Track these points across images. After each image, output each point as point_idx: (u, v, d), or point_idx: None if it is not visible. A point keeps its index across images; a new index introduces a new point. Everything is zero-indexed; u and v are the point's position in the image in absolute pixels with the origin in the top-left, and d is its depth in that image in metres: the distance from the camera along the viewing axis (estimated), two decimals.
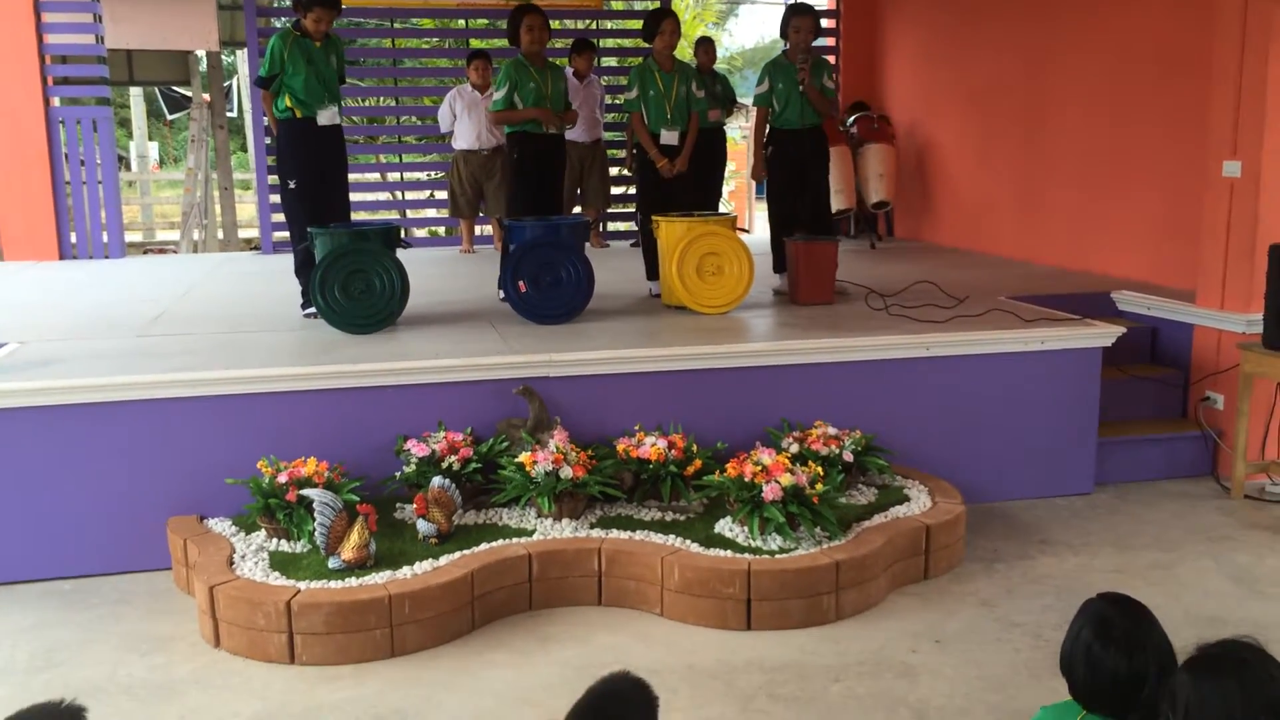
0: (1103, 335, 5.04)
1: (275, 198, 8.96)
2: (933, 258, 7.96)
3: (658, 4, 9.55)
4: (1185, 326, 5.59)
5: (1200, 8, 5.72)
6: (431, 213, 11.74)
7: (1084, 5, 6.95)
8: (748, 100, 9.14)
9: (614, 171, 9.41)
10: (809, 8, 6.19)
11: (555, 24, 9.59)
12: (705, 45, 8.91)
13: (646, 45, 6.28)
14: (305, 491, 3.87)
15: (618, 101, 9.07)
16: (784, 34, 6.19)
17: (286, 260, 7.69)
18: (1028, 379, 4.99)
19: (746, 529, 4.02)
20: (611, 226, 9.80)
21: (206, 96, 12.51)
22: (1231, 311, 5.26)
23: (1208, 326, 5.43)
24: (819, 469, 4.17)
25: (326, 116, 5.59)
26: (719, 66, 9.42)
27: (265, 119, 6.03)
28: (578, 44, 8.67)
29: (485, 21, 10.22)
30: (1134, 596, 2.23)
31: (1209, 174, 5.36)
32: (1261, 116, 5.02)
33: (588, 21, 9.97)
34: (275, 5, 9.18)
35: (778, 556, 3.86)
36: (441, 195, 11.33)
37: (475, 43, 9.86)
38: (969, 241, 8.48)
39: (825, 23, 10.01)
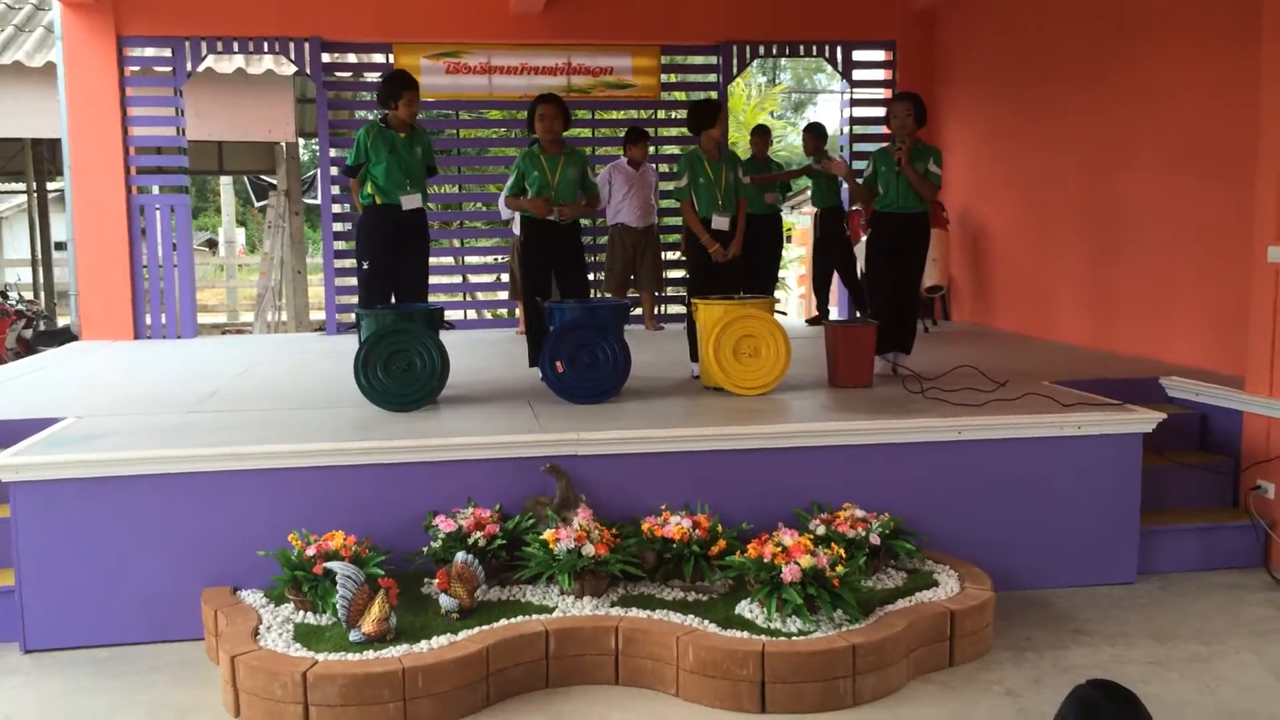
0: (1143, 421, 4.95)
1: (341, 280, 9.30)
2: (986, 342, 7.90)
3: (715, 95, 9.76)
4: (1235, 413, 5.46)
5: (1250, 105, 5.69)
6: (502, 295, 12.08)
7: (1136, 103, 6.96)
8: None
9: (669, 256, 9.56)
10: (909, 94, 6.28)
11: (615, 114, 9.92)
12: (761, 134, 9.10)
13: (691, 133, 6.43)
14: (329, 564, 3.97)
15: (671, 188, 9.28)
16: (887, 121, 6.37)
17: (346, 341, 7.93)
18: (1065, 464, 4.91)
19: (765, 610, 3.99)
20: (671, 309, 9.92)
21: (285, 184, 13.05)
22: None
23: (1257, 413, 5.30)
24: (841, 551, 4.15)
25: (409, 202, 5.90)
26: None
27: (353, 204, 6.41)
28: (631, 133, 8.92)
29: None
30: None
31: (1255, 260, 5.28)
32: None
33: (648, 111, 10.23)
34: (352, 98, 9.61)
35: (794, 639, 3.83)
36: (505, 278, 11.63)
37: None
38: (1026, 327, 8.41)
39: (880, 111, 10.15)
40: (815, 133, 9.37)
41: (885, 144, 6.36)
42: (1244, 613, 4.65)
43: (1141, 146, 6.94)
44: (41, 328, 12.07)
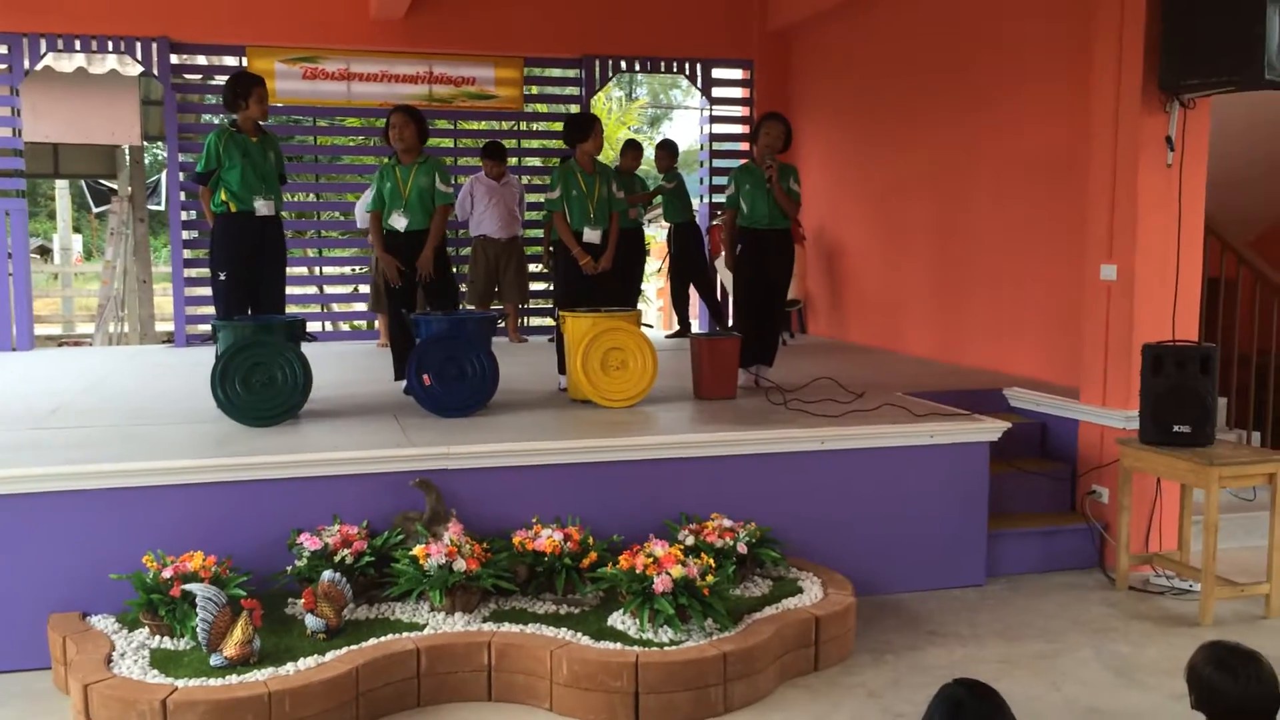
0: (989, 430, 5.21)
1: (191, 290, 8.97)
2: (840, 355, 8.17)
3: (577, 108, 9.81)
4: (1072, 422, 5.80)
5: (1078, 123, 6.06)
6: (359, 306, 11.84)
7: (981, 111, 7.32)
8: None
9: (532, 268, 9.56)
10: (779, 115, 6.39)
11: (477, 124, 9.87)
12: (633, 149, 9.20)
13: (567, 146, 6.46)
14: (188, 586, 3.83)
15: (536, 200, 9.29)
16: (753, 139, 6.42)
17: (198, 353, 7.65)
18: (919, 472, 5.13)
19: (638, 621, 4.04)
20: (535, 321, 9.92)
21: (129, 189, 12.50)
22: (1112, 408, 5.48)
23: (1091, 422, 5.63)
24: (711, 561, 4.23)
25: (264, 208, 5.73)
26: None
27: (204, 212, 6.16)
28: (487, 148, 8.90)
29: None
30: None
31: (1087, 278, 5.63)
32: (1134, 222, 5.31)
33: (510, 123, 10.21)
34: (200, 101, 9.28)
35: (666, 648, 3.89)
36: (364, 289, 11.41)
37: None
38: (878, 339, 8.73)
39: (739, 128, 10.39)
40: (668, 149, 9.54)
41: (744, 162, 6.47)
42: (1083, 611, 4.93)
43: (983, 164, 7.30)
44: None
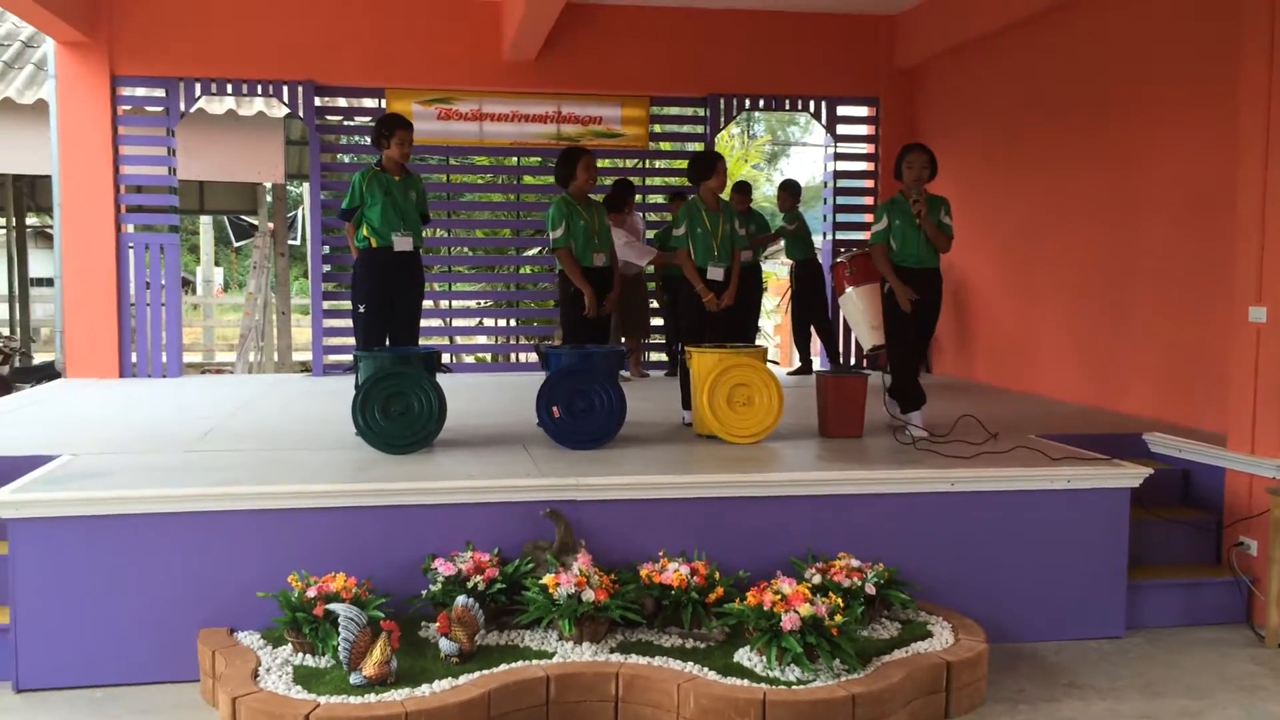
0: (1130, 476, 5.05)
1: (330, 322, 9.32)
2: (971, 395, 8.01)
3: (701, 146, 9.91)
4: (1218, 470, 5.57)
5: (1226, 157, 5.87)
6: (481, 339, 12.12)
7: (1117, 147, 7.14)
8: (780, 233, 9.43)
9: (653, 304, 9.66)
10: (921, 146, 6.13)
11: (603, 162, 10.04)
12: (741, 190, 9.28)
13: (690, 184, 6.53)
14: (331, 606, 3.97)
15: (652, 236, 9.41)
16: (898, 173, 6.11)
17: (334, 382, 7.94)
18: (1054, 518, 4.99)
19: (764, 658, 4.02)
20: (652, 356, 10.00)
21: (271, 225, 13.08)
22: (1262, 456, 5.25)
23: (1239, 470, 5.41)
24: (839, 600, 4.19)
25: (402, 244, 5.96)
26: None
27: (349, 246, 6.44)
28: (618, 184, 9.05)
29: (538, 159, 10.65)
30: None
31: (1236, 319, 5.43)
32: None
33: (636, 160, 10.37)
34: (341, 141, 9.69)
35: (794, 687, 3.86)
36: (489, 323, 11.69)
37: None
38: (1007, 380, 8.54)
39: (864, 165, 10.35)
40: (790, 190, 9.53)
41: (893, 197, 6.13)
42: (1230, 668, 4.72)
43: (1120, 201, 7.11)
44: (19, 364, 11.99)
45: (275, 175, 10.63)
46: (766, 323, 16.70)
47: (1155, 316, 6.74)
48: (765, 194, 20.60)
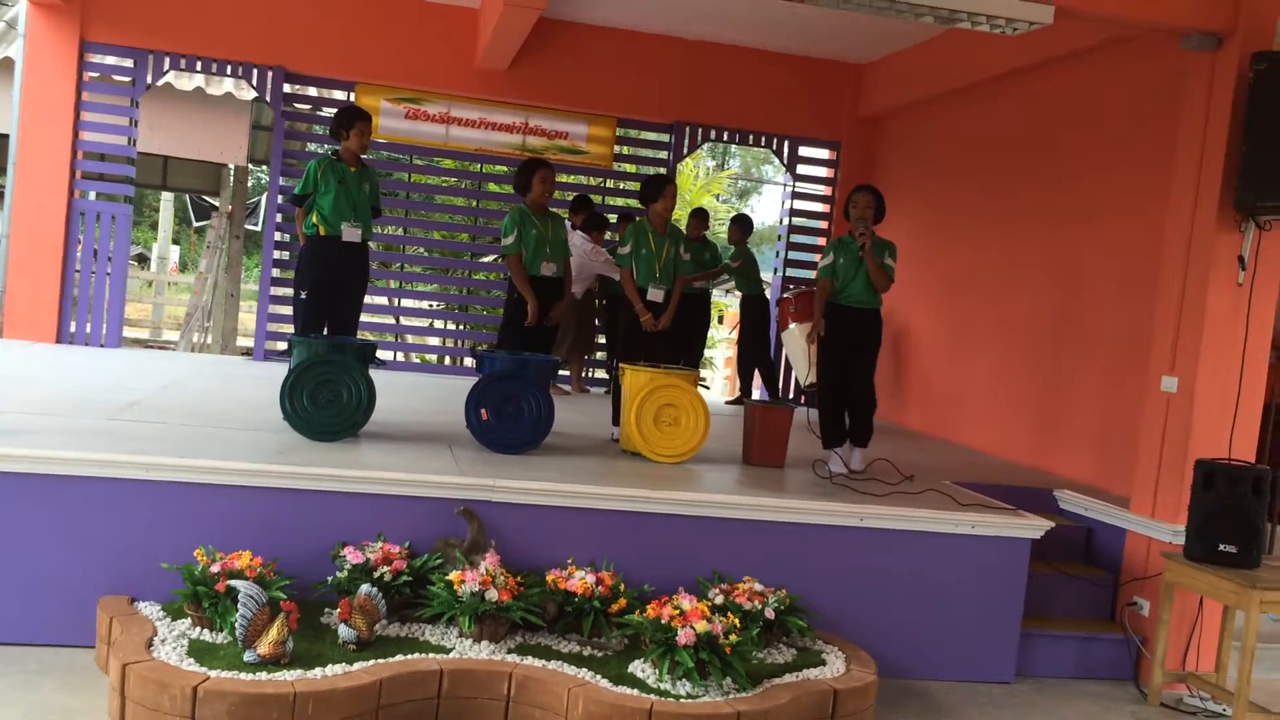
0: (1033, 527, 5.20)
1: (274, 308, 9.31)
2: (897, 439, 8.17)
3: (663, 170, 10.05)
4: (1119, 531, 5.75)
5: (1152, 234, 6.09)
6: (434, 340, 12.12)
7: (1056, 215, 7.37)
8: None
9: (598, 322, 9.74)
10: (869, 187, 6.25)
11: (566, 178, 10.15)
12: (699, 217, 9.42)
13: (642, 205, 6.65)
14: (233, 583, 4.00)
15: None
16: (846, 213, 6.19)
17: (273, 368, 7.94)
18: (957, 561, 5.13)
19: (657, 671, 4.10)
20: (597, 373, 10.08)
21: (229, 207, 13.02)
22: (1161, 520, 5.43)
23: (1138, 532, 5.58)
24: (737, 621, 4.28)
25: (350, 234, 6.02)
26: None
27: (298, 233, 6.48)
28: (577, 201, 9.16)
29: (503, 169, 10.74)
30: None
31: (1149, 387, 5.62)
32: (1199, 336, 5.31)
33: (598, 179, 10.48)
34: (308, 130, 9.72)
35: (682, 701, 3.94)
36: (440, 325, 11.72)
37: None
38: (938, 429, 8.72)
39: (821, 206, 10.54)
40: (740, 225, 9.65)
41: (842, 236, 6.23)
42: None
43: (1053, 266, 7.33)
44: None
45: (237, 157, 10.62)
46: (718, 354, 16.86)
47: (1087, 378, 6.92)
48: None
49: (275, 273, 9.42)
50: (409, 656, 4.06)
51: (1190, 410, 5.33)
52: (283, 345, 9.24)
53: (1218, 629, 5.26)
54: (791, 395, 10.16)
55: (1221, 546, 4.85)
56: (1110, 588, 5.71)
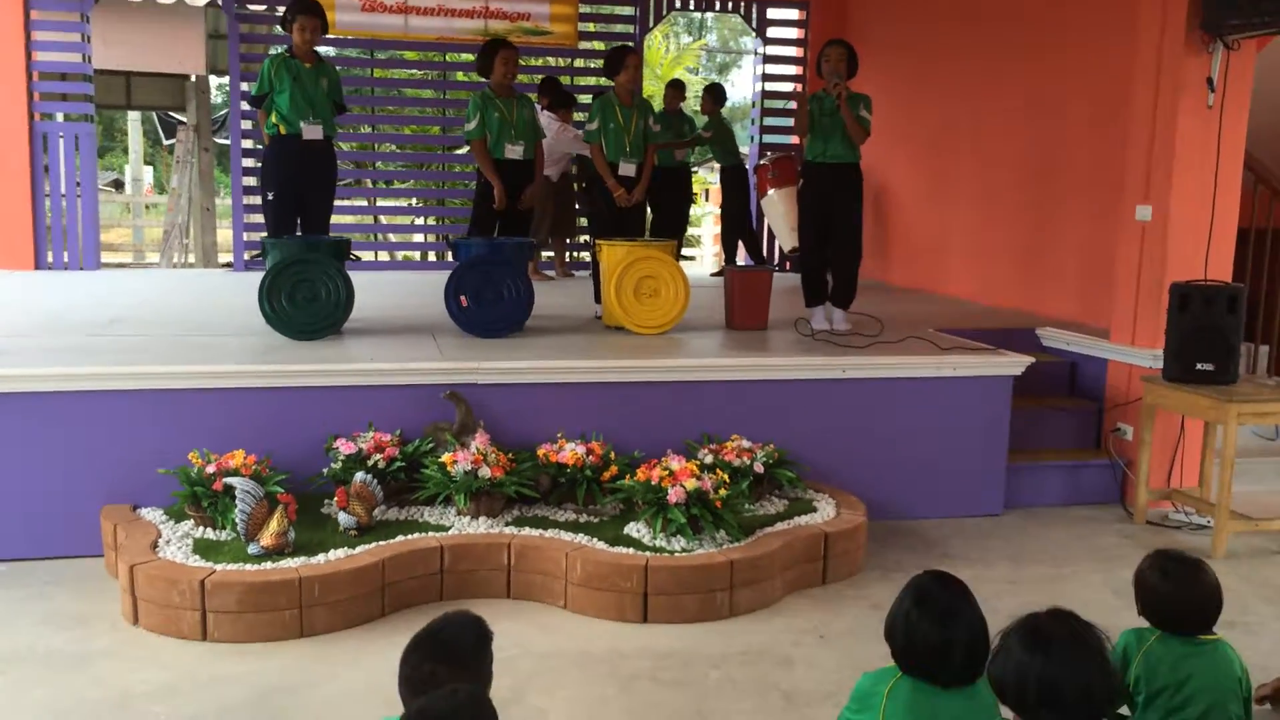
0: (1013, 365, 5.27)
1: (250, 218, 9.25)
2: (881, 295, 8.19)
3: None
4: (1101, 362, 5.83)
5: (1123, 63, 6.00)
6: (418, 238, 12.07)
7: (1028, 53, 7.25)
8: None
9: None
10: (841, 40, 6.14)
11: (532, 60, 9.97)
12: (675, 88, 9.26)
13: (607, 79, 6.55)
14: (229, 480, 4.08)
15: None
16: (819, 68, 6.09)
17: (254, 277, 7.90)
18: (941, 404, 5.21)
19: (651, 530, 4.22)
20: (584, 256, 10.06)
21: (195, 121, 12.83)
22: (1140, 347, 5.50)
23: (1119, 361, 5.66)
24: (726, 477, 4.38)
25: (311, 132, 5.95)
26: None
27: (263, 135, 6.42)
28: (545, 82, 9.00)
29: (469, 56, 10.52)
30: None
31: (1124, 217, 5.62)
32: (1170, 164, 5.29)
33: (565, 59, 10.29)
34: (268, 32, 9.50)
35: (677, 555, 4.06)
36: (421, 221, 11.65)
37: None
38: (921, 282, 8.74)
39: (793, 70, 10.37)
40: (712, 94, 9.51)
41: (816, 92, 6.12)
42: (1097, 541, 5.02)
43: (1030, 106, 7.23)
44: None
45: (196, 65, 10.43)
46: (704, 230, 16.77)
47: (1066, 216, 6.89)
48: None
49: (248, 182, 9.32)
50: (409, 537, 4.17)
51: (1165, 237, 5.35)
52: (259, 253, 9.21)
53: (1199, 447, 5.37)
54: (776, 262, 10.15)
55: (1199, 365, 4.93)
56: (1095, 417, 5.82)
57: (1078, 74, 6.75)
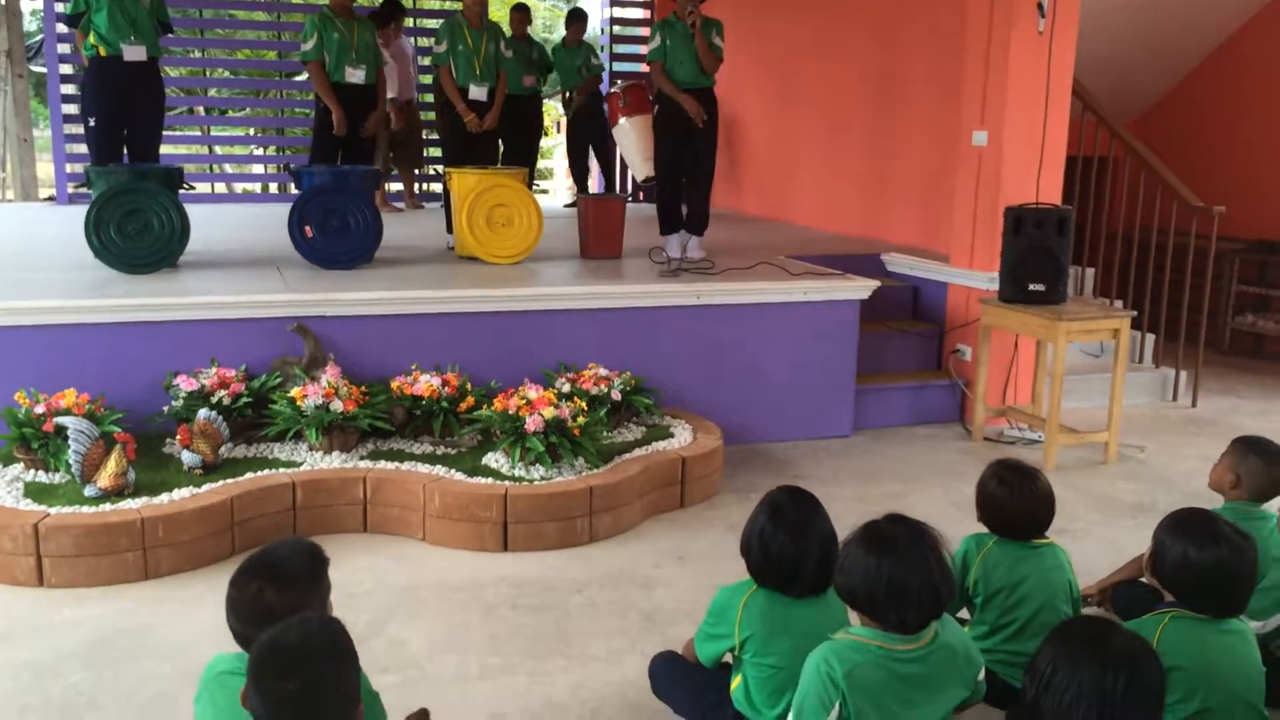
0: (860, 289, 5.42)
1: (72, 148, 8.70)
2: (733, 225, 8.29)
3: None
4: (942, 285, 6.05)
5: None
6: (258, 169, 11.52)
7: None
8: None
9: (428, 135, 9.44)
10: None
11: None
12: (520, 11, 9.06)
13: (458, 7, 6.35)
14: (60, 420, 3.87)
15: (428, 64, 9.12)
16: None
17: (80, 210, 7.47)
18: (791, 328, 5.32)
19: (510, 459, 4.20)
20: (435, 188, 9.84)
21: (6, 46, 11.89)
22: (978, 270, 5.72)
23: (959, 284, 5.88)
24: (583, 404, 4.39)
25: (132, 53, 5.59)
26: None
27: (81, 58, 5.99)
28: (385, 5, 8.68)
29: None
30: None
31: (961, 143, 5.80)
32: (1004, 91, 5.47)
33: None
34: None
35: (536, 484, 4.06)
36: (260, 151, 11.14)
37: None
38: (772, 211, 8.87)
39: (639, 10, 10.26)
40: (579, 19, 9.38)
41: (667, 17, 6.07)
42: (940, 458, 5.24)
43: (873, 33, 7.35)
44: None
45: None
46: (556, 163, 16.59)
47: (908, 142, 7.05)
48: (562, 31, 20.25)
49: (68, 110, 8.74)
50: (259, 474, 4.05)
51: (1000, 162, 5.55)
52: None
53: (1032, 366, 5.64)
54: (629, 191, 10.13)
55: (1031, 286, 5.16)
56: (936, 339, 6.04)
57: (917, 2, 6.88)
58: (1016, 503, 2.88)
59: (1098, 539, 4.28)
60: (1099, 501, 4.72)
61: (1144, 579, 2.89)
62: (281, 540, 2.27)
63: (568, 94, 9.38)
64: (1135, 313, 5.37)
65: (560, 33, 9.83)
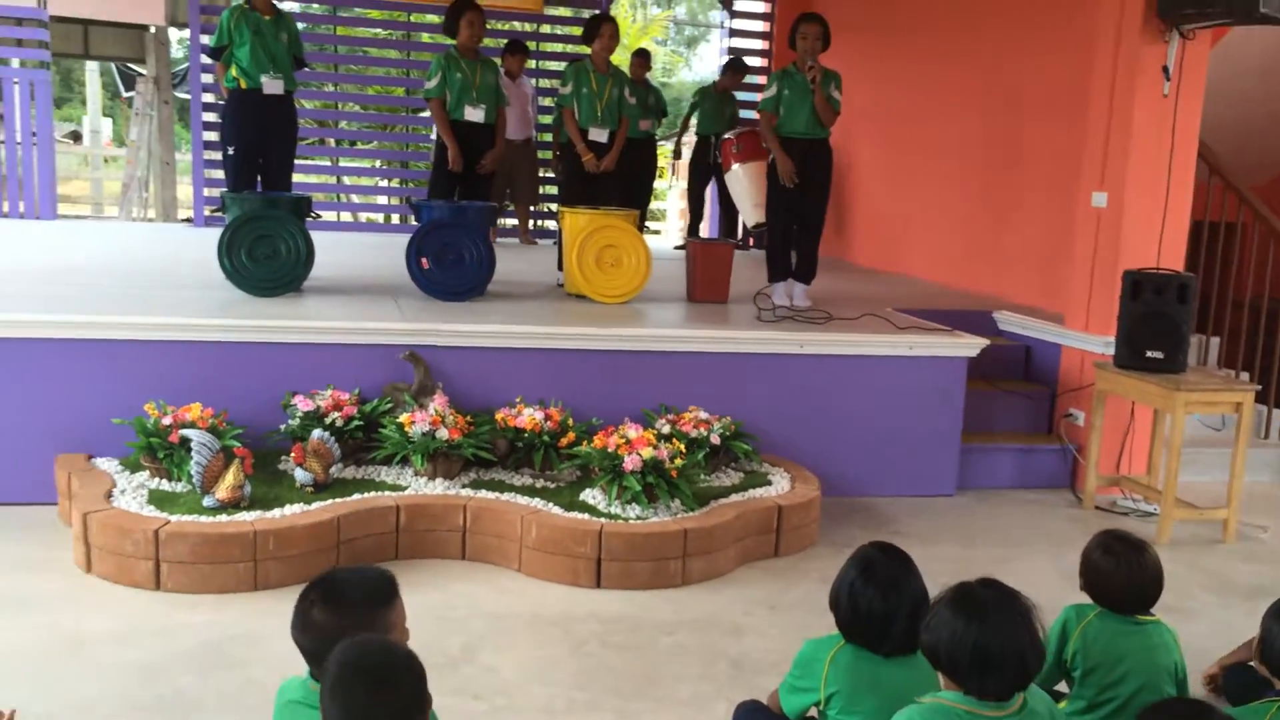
0: (968, 346, 5.34)
1: (210, 173, 9.13)
2: (843, 275, 8.26)
3: (598, 11, 9.80)
4: (1055, 346, 5.92)
5: (1081, 51, 6.07)
6: (382, 200, 11.93)
7: (985, 46, 7.32)
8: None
9: (544, 173, 9.65)
10: (816, 15, 6.04)
11: (498, 25, 9.90)
12: (640, 57, 9.24)
13: (585, 50, 6.53)
14: (185, 432, 4.05)
15: (548, 104, 9.35)
16: (792, 43, 5.99)
17: (215, 233, 7.83)
18: (896, 383, 5.27)
19: (607, 496, 4.24)
20: (549, 224, 10.04)
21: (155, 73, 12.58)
22: (1094, 333, 5.59)
23: (1073, 346, 5.76)
24: (682, 446, 4.42)
25: (271, 87, 5.89)
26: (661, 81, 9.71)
27: (221, 89, 6.34)
28: (511, 45, 8.94)
29: (435, 18, 10.40)
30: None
31: (1080, 204, 5.71)
32: (1126, 151, 5.37)
33: (532, 24, 10.22)
34: None
35: (631, 522, 4.10)
36: (384, 183, 11.53)
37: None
38: (882, 262, 8.82)
39: (759, 44, 10.37)
40: (736, 68, 9.50)
41: (786, 67, 6.07)
42: (1047, 524, 5.12)
43: (992, 91, 7.30)
44: None
45: (155, 16, 10.24)
46: (670, 204, 16.75)
47: (1025, 202, 6.96)
48: (684, 78, 20.63)
49: (209, 136, 9.19)
50: (366, 495, 4.17)
51: (1119, 224, 5.43)
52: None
53: (1148, 434, 5.48)
54: (740, 237, 10.17)
55: (1149, 353, 5.02)
56: (1048, 401, 5.91)
57: (1037, 58, 6.82)
58: (1122, 575, 2.80)
59: (1210, 620, 4.12)
60: (1213, 581, 4.55)
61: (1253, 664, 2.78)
62: (360, 565, 2.32)
63: (713, 138, 9.41)
64: (1260, 386, 5.19)
65: (679, 77, 9.99)
